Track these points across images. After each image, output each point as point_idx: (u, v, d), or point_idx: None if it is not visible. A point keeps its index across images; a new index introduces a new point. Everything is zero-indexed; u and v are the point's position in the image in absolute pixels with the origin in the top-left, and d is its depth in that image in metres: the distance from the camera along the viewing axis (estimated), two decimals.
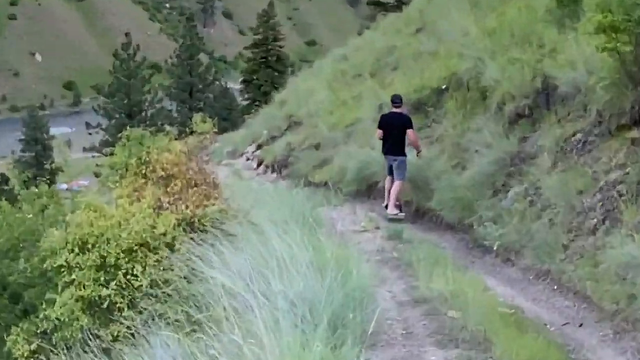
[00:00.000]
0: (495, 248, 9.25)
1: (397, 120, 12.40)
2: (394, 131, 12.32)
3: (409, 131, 12.21)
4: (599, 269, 7.09)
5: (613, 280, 6.79)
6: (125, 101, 48.97)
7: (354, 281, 5.73)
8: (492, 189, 10.15)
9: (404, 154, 12.33)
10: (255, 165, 26.27)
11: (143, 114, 50.33)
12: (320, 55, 41.46)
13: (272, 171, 22.91)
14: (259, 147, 27.99)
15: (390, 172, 12.52)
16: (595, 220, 7.66)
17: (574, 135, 8.84)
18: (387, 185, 12.69)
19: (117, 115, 49.11)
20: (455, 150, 11.90)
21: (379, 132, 12.69)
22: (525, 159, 9.73)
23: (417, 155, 12.59)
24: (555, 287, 7.77)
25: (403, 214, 12.34)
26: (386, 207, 12.55)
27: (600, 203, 7.69)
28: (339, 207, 13.12)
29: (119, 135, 10.89)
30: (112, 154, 11.32)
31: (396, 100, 12.62)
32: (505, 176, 9.93)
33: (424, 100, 14.39)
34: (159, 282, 6.86)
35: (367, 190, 14.39)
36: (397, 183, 12.21)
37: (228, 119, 62.73)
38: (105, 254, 7.66)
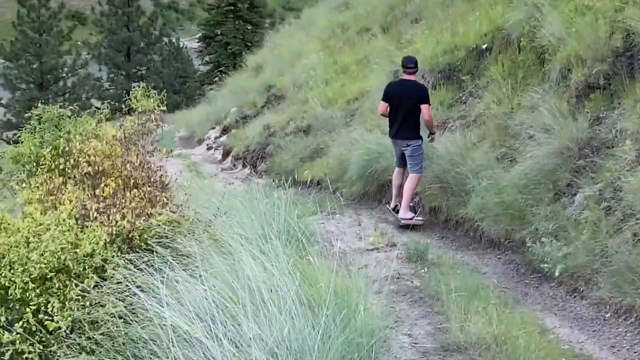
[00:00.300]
0: (557, 274, 9.24)
1: (411, 91, 12.58)
2: (405, 106, 12.51)
3: (424, 107, 12.37)
4: None
5: None
6: (35, 65, 48.84)
7: (359, 322, 5.74)
8: (552, 192, 10.15)
9: (418, 137, 12.57)
10: (220, 157, 26.39)
11: (60, 83, 50.20)
12: (312, 2, 41.44)
13: (244, 165, 22.99)
14: (225, 131, 28.10)
15: (402, 163, 12.82)
16: None
17: None
18: (396, 181, 13.03)
19: (24, 86, 48.97)
20: (501, 135, 11.92)
21: (384, 106, 12.87)
22: (599, 148, 9.74)
23: (429, 139, 12.87)
24: None
25: (421, 218, 12.62)
26: (396, 209, 12.89)
27: None
28: (338, 216, 13.13)
29: (27, 114, 10.80)
30: (16, 141, 11.28)
31: (410, 63, 12.75)
32: (570, 173, 9.93)
33: (456, 66, 14.46)
34: (84, 324, 6.83)
35: (377, 193, 14.41)
36: (411, 177, 12.51)
37: (181, 91, 62.87)
38: (8, 284, 7.61)
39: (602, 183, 9.27)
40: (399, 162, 12.93)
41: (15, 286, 7.51)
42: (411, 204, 12.66)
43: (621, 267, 8.16)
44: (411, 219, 12.44)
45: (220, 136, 28.38)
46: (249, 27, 61.67)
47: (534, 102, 11.25)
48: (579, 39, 10.67)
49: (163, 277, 6.45)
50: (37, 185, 9.43)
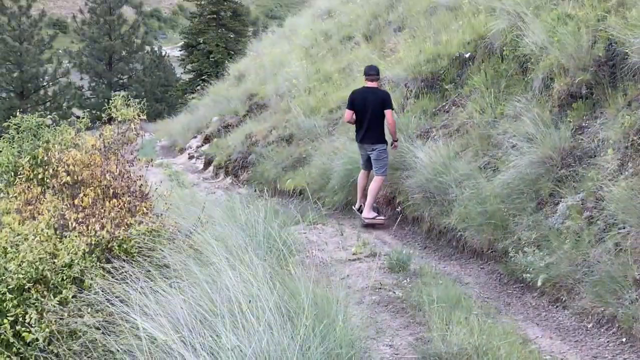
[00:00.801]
0: (539, 284, 9.25)
1: (373, 97, 13.30)
2: (370, 112, 13.27)
3: (387, 112, 13.07)
4: None
5: None
6: (15, 74, 48.70)
7: (339, 333, 5.74)
8: (535, 201, 10.18)
9: (383, 141, 13.31)
10: (201, 166, 26.37)
11: (41, 92, 50.07)
12: (295, 10, 41.48)
13: (226, 174, 22.96)
14: (207, 140, 28.11)
15: (367, 166, 13.61)
16: None
17: None
18: (361, 182, 13.80)
19: (4, 94, 48.80)
20: (484, 144, 11.96)
21: (349, 113, 13.63)
22: (581, 158, 9.77)
23: (392, 146, 13.50)
24: (625, 340, 7.78)
25: (382, 217, 13.36)
26: (360, 210, 13.60)
27: None
28: (321, 225, 13.16)
29: (6, 123, 10.78)
30: None
31: (371, 71, 13.55)
32: (553, 182, 9.97)
33: (439, 74, 14.49)
34: (62, 335, 6.80)
35: None
36: (376, 179, 13.26)
37: (163, 99, 62.85)
38: None
39: (584, 192, 9.30)
40: (364, 165, 13.70)
41: None
42: (374, 204, 13.37)
43: (603, 277, 8.18)
44: (374, 218, 13.23)
45: (202, 145, 28.36)
46: (231, 36, 61.82)
47: (516, 111, 11.30)
48: (561, 48, 10.72)
49: (142, 288, 6.42)
50: (15, 195, 9.40)
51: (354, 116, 13.54)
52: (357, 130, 13.62)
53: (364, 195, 13.61)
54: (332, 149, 16.33)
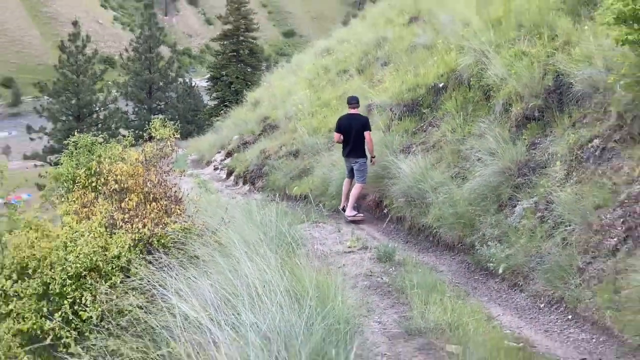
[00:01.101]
0: (500, 271, 9.24)
1: (356, 122, 13.78)
2: (353, 133, 13.73)
3: (366, 133, 13.54)
4: (621, 296, 7.10)
5: (637, 309, 6.81)
6: (73, 101, 48.69)
7: (337, 311, 5.73)
8: (496, 204, 10.18)
9: (364, 156, 13.76)
10: (224, 176, 26.27)
11: (94, 116, 50.09)
12: (300, 49, 41.51)
13: (244, 182, 22.90)
14: (229, 154, 28.04)
15: (350, 175, 14.14)
16: (615, 239, 7.66)
17: (590, 141, 8.88)
18: (345, 188, 14.34)
19: (64, 118, 48.82)
20: (455, 158, 11.95)
21: (337, 135, 14.10)
22: (534, 168, 9.77)
23: (372, 161, 13.83)
24: (570, 317, 7.78)
25: (362, 214, 13.82)
26: (344, 209, 14.06)
27: (622, 219, 7.71)
28: (322, 224, 13.14)
29: (66, 141, 10.83)
30: (57, 163, 11.27)
31: (352, 101, 14.16)
32: (511, 188, 9.96)
33: (418, 101, 14.48)
34: (112, 313, 6.81)
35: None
36: (357, 186, 13.73)
37: (193, 121, 62.78)
38: (49, 281, 7.59)
39: (537, 197, 9.30)
40: (348, 174, 14.25)
41: (55, 282, 7.51)
42: (355, 204, 13.81)
43: (553, 265, 8.19)
44: (354, 216, 13.70)
45: (225, 159, 28.31)
46: (248, 70, 61.91)
47: (481, 130, 11.30)
48: (517, 79, 10.74)
49: (176, 275, 6.43)
50: (73, 199, 9.44)
51: (341, 137, 13.97)
52: (343, 147, 14.09)
53: (347, 198, 14.04)
54: (331, 162, 16.31)
